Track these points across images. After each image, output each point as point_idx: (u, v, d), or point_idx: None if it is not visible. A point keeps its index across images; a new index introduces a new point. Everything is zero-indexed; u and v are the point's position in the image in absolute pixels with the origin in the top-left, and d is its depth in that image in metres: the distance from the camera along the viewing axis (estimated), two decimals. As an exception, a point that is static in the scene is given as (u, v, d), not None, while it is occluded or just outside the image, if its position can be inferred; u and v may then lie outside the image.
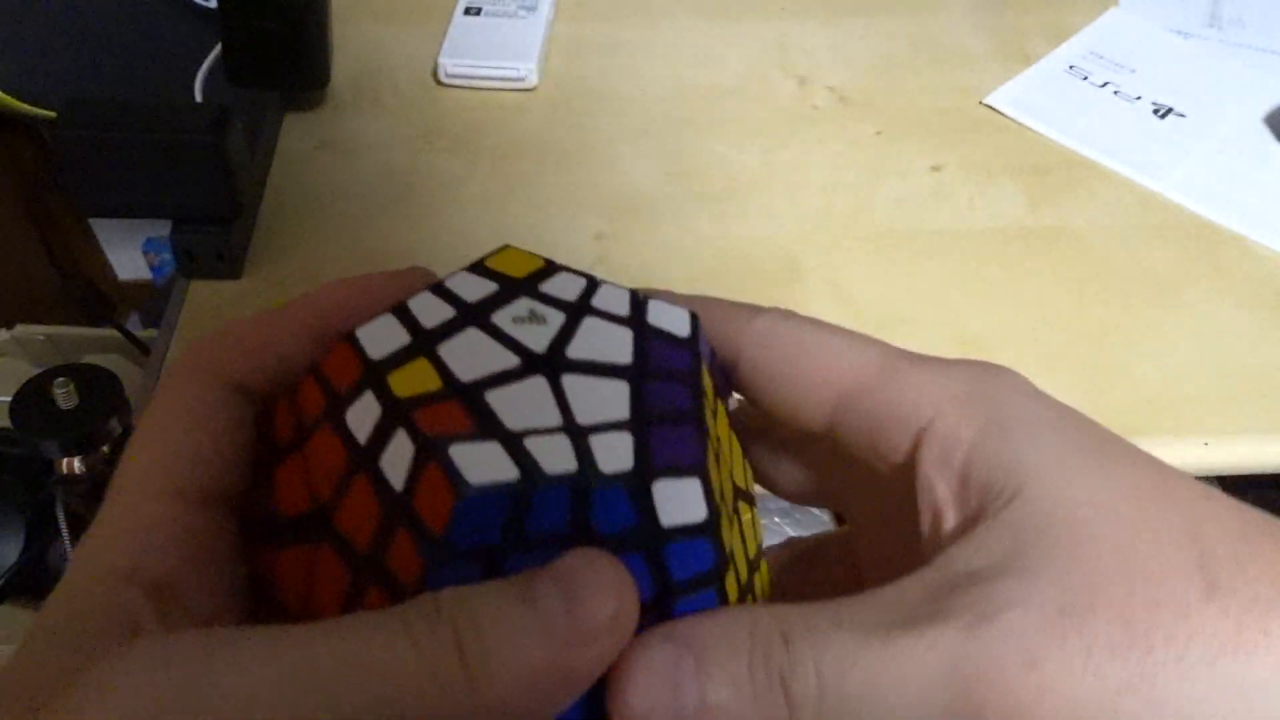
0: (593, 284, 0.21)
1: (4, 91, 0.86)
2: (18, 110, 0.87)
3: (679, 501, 0.18)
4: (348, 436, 0.18)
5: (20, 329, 0.86)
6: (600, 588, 0.16)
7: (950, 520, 0.19)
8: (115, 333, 0.84)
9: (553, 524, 0.17)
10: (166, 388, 0.19)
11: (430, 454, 0.17)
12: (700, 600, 0.18)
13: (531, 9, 0.73)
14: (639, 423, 0.18)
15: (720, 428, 0.21)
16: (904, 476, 0.20)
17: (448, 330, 0.19)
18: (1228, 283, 0.58)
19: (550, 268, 0.21)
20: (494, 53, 0.69)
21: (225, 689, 0.14)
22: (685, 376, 0.19)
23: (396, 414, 0.17)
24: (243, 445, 0.19)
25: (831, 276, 0.58)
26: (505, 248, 0.21)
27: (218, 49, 0.67)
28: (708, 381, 0.21)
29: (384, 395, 0.18)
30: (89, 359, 0.79)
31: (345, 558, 0.18)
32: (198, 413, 0.19)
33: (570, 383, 0.18)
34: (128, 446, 0.19)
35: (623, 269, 0.58)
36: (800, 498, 0.25)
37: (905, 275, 0.58)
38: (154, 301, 1.23)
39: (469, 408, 0.18)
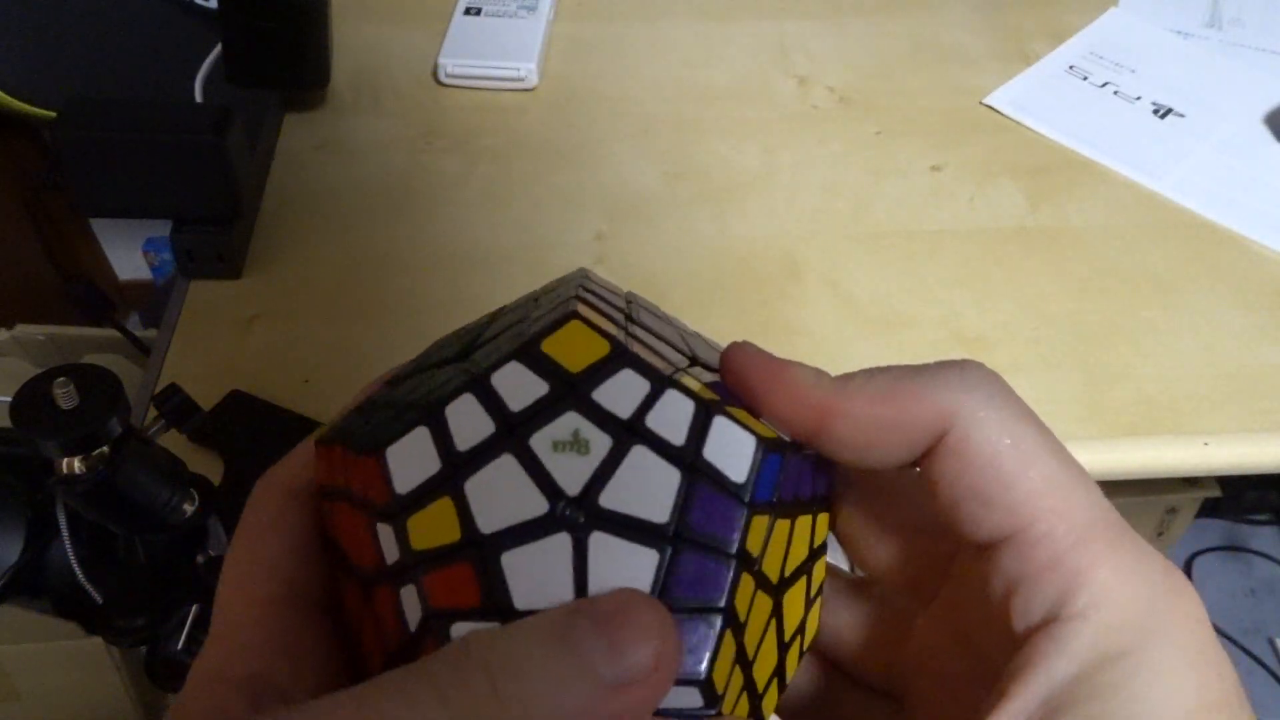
0: (656, 390, 0.18)
1: (4, 91, 0.86)
2: (18, 110, 0.87)
3: (674, 697, 0.17)
4: (378, 546, 0.18)
5: (20, 329, 0.86)
6: (642, 630, 0.15)
7: (1017, 709, 0.17)
8: (115, 333, 0.84)
9: None
10: (247, 509, 0.20)
11: (432, 629, 0.17)
12: None
13: (531, 9, 0.73)
14: None
15: (771, 554, 0.19)
16: (1006, 631, 0.18)
17: (480, 456, 0.18)
18: (1227, 283, 0.58)
19: (614, 356, 0.18)
20: (494, 53, 0.69)
21: None
22: (725, 545, 0.18)
23: (410, 566, 0.17)
24: (314, 544, 0.20)
25: (831, 276, 0.58)
26: (573, 320, 0.18)
27: (218, 49, 0.67)
28: (757, 530, 0.18)
29: (402, 539, 0.17)
30: (89, 359, 0.79)
31: (381, 643, 0.18)
32: (271, 525, 0.20)
33: (596, 545, 0.17)
34: (225, 562, 0.20)
35: (623, 269, 0.58)
36: (876, 573, 0.23)
37: (905, 275, 0.58)
38: (154, 301, 1.23)
39: (480, 572, 0.17)
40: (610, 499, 0.17)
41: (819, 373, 0.20)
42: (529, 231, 0.60)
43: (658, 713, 0.17)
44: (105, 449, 0.34)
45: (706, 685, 0.17)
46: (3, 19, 0.85)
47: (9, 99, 0.86)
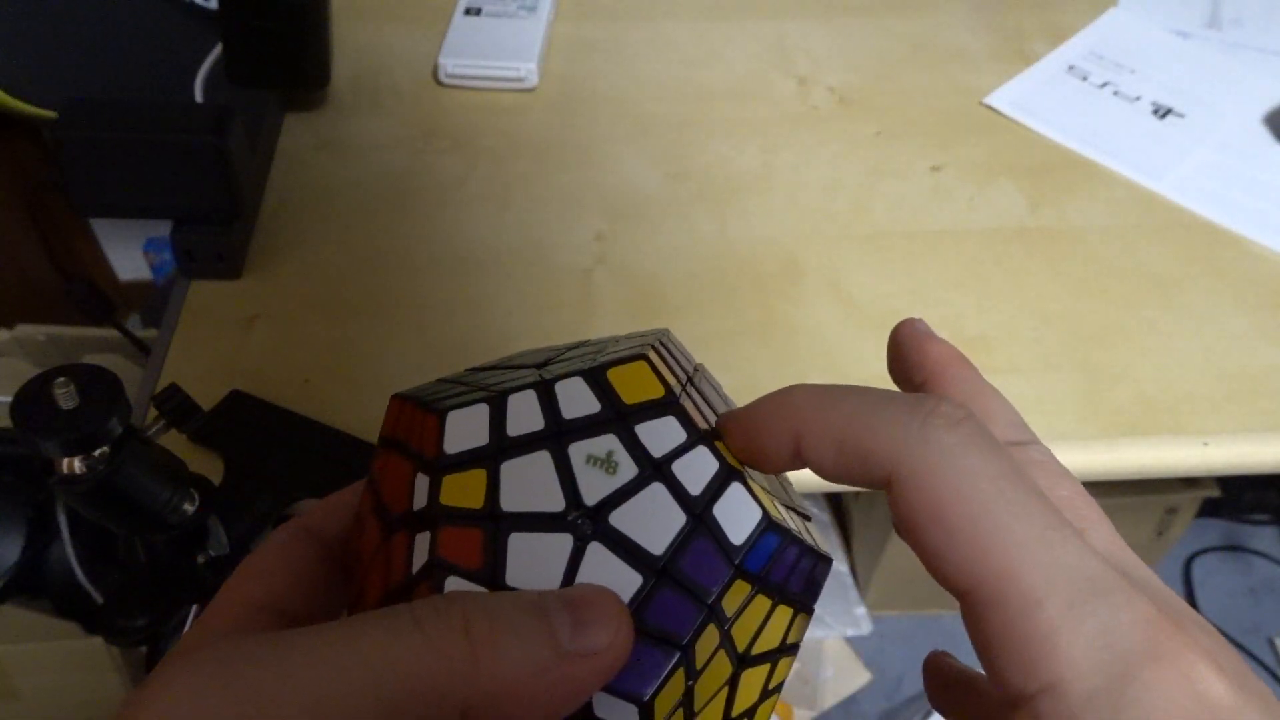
0: (690, 442, 0.20)
1: (4, 91, 0.86)
2: (18, 110, 0.87)
3: (614, 712, 0.19)
4: (411, 493, 0.20)
5: (20, 329, 0.86)
6: (603, 617, 0.18)
7: None
8: (115, 333, 0.84)
9: None
10: (266, 538, 0.23)
11: (431, 574, 0.19)
12: None
13: (531, 9, 0.73)
14: None
15: (744, 625, 0.20)
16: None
17: (523, 445, 0.20)
18: (1227, 283, 0.58)
19: (665, 402, 0.20)
20: (494, 53, 0.69)
21: (256, 679, 0.16)
22: (702, 594, 0.19)
23: (432, 515, 0.19)
24: (306, 572, 0.22)
25: (831, 276, 0.58)
26: (641, 361, 0.21)
27: (218, 49, 0.67)
28: (735, 595, 0.20)
29: (434, 490, 0.20)
30: (89, 359, 0.79)
31: (384, 582, 0.20)
32: (276, 549, 0.22)
33: (592, 553, 0.19)
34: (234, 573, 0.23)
35: (623, 269, 0.58)
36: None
37: (905, 275, 0.58)
38: (154, 301, 1.23)
39: (488, 544, 0.19)
40: (618, 519, 0.19)
41: (796, 389, 0.20)
42: (529, 231, 0.60)
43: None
44: (105, 449, 0.34)
45: (646, 708, 0.18)
46: (3, 19, 0.85)
47: (9, 99, 0.86)
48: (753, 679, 0.21)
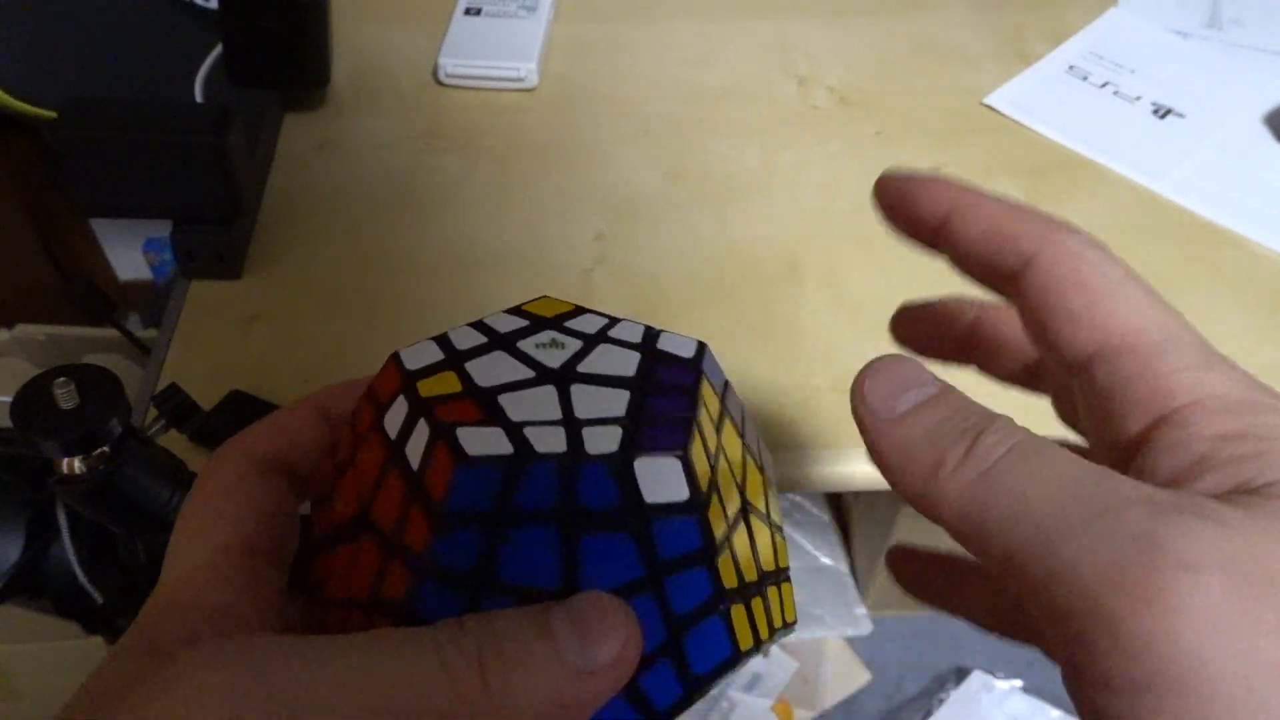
0: (613, 321, 0.23)
1: (4, 91, 0.86)
2: (18, 110, 0.87)
3: (661, 481, 0.19)
4: (384, 437, 0.21)
5: (20, 329, 0.86)
6: (609, 628, 0.18)
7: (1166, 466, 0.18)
8: (115, 333, 0.84)
9: (542, 496, 0.19)
10: (206, 469, 0.22)
11: (440, 435, 0.19)
12: (692, 578, 0.20)
13: (531, 9, 0.73)
14: (632, 420, 0.20)
15: (728, 444, 0.22)
16: (1116, 445, 0.19)
17: (477, 351, 0.22)
18: (1228, 283, 0.58)
19: (579, 311, 0.24)
20: (494, 53, 0.69)
21: (282, 688, 0.16)
22: (685, 390, 0.21)
23: (420, 409, 0.20)
24: (271, 507, 0.22)
25: (831, 276, 0.58)
26: (543, 296, 0.24)
27: (218, 49, 0.67)
28: (710, 399, 0.22)
29: (412, 396, 0.21)
30: (89, 359, 0.79)
31: (377, 542, 0.20)
32: (233, 485, 0.22)
33: (577, 390, 0.21)
34: (180, 516, 0.22)
35: (623, 269, 0.58)
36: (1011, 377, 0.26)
37: (905, 275, 0.58)
38: (154, 301, 1.23)
39: (482, 405, 0.20)
40: (585, 367, 0.22)
41: (954, 179, 0.23)
42: (529, 231, 0.60)
43: (644, 508, 0.19)
44: (105, 449, 0.34)
45: (685, 459, 0.19)
46: (3, 19, 0.85)
47: (9, 99, 0.86)
48: (760, 532, 0.23)
